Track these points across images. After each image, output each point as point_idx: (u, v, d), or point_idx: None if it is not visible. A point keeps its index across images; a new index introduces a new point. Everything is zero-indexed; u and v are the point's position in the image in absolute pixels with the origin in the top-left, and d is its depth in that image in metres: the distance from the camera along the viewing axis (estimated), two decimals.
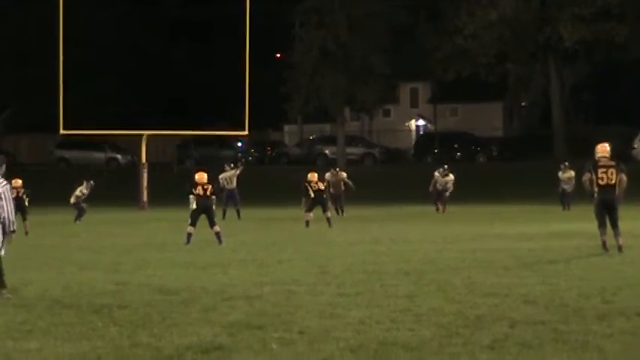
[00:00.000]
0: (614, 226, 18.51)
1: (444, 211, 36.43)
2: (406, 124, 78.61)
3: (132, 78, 70.49)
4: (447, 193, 37.13)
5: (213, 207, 23.59)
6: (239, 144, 71.29)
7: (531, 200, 43.43)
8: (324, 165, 59.07)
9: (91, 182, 34.33)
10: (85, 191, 33.95)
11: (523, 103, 78.69)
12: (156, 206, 43.66)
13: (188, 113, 64.97)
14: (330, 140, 70.11)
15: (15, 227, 13.25)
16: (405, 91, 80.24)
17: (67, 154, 70.83)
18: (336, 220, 30.66)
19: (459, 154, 67.15)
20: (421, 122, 79.24)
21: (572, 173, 35.80)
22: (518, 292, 12.92)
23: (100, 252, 20.95)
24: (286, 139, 79.86)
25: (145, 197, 45.19)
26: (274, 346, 9.50)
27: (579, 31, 60.74)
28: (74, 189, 34.24)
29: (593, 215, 18.82)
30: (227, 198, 34.63)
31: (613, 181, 18.39)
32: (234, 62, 48.40)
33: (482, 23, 62.21)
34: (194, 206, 23.29)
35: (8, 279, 13.34)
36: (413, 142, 74.16)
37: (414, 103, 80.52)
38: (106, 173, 59.87)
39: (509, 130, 76.89)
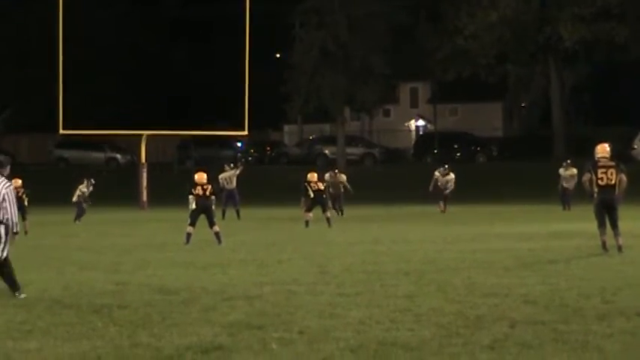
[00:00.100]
0: (614, 226, 18.52)
1: (444, 211, 36.45)
2: (406, 124, 78.55)
3: (132, 78, 70.50)
4: (448, 192, 37.16)
5: (213, 207, 23.60)
6: (239, 144, 71.25)
7: (531, 200, 43.45)
8: (323, 165, 59.12)
9: (92, 180, 34.54)
10: (84, 190, 34.09)
11: (523, 104, 78.66)
12: (156, 206, 43.69)
13: (188, 113, 64.96)
14: (330, 140, 70.03)
15: (18, 229, 13.25)
16: (404, 91, 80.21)
17: (67, 153, 70.83)
18: (336, 220, 30.65)
19: (458, 154, 67.03)
20: (421, 122, 79.17)
21: (575, 171, 35.74)
22: (518, 292, 12.91)
23: (100, 252, 20.94)
24: (286, 139, 79.77)
25: (144, 197, 45.29)
26: (274, 346, 9.50)
27: (579, 32, 60.73)
28: (75, 188, 34.41)
29: (593, 215, 18.82)
30: (227, 198, 34.63)
31: (613, 182, 18.39)
32: (234, 62, 48.43)
33: (483, 24, 62.19)
34: (193, 206, 23.29)
35: None
36: (413, 142, 74.06)
37: (413, 103, 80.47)
38: (106, 173, 59.85)
39: (509, 130, 76.84)
